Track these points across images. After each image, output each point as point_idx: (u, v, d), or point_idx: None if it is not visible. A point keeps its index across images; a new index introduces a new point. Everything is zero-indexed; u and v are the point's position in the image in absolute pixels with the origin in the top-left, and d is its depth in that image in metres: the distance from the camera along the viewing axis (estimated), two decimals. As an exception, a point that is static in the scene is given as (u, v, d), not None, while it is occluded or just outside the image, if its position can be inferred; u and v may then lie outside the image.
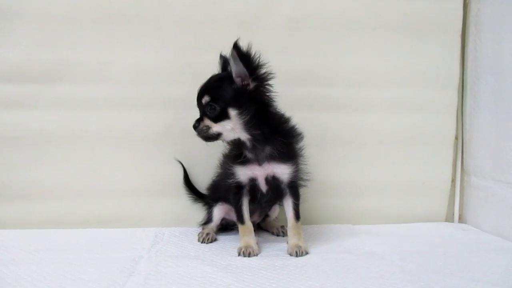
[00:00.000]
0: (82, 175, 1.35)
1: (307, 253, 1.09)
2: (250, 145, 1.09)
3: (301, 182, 1.17)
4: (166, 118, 1.37)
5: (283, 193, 1.14)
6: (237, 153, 1.12)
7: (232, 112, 1.06)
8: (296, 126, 1.15)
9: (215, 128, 1.07)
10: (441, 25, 1.41)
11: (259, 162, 1.10)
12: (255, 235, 1.16)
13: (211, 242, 1.20)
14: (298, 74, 1.37)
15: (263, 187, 1.13)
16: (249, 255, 1.07)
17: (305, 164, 1.19)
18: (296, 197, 1.14)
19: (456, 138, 1.44)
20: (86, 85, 1.34)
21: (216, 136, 1.08)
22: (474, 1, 1.39)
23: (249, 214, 1.14)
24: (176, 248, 1.16)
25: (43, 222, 1.32)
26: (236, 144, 1.12)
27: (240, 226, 1.14)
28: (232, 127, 1.07)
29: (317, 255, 1.09)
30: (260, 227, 1.33)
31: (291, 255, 1.08)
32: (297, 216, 1.13)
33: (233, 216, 1.20)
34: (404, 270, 0.99)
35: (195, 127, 1.08)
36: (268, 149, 1.09)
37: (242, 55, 1.03)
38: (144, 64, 1.35)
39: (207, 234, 1.22)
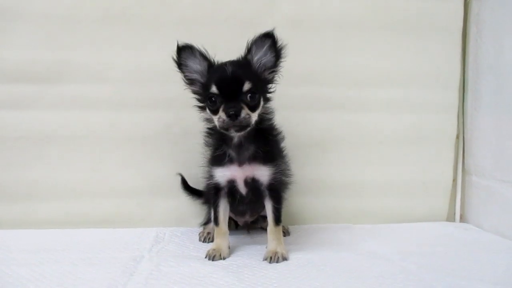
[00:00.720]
0: (83, 175, 1.35)
1: (285, 259, 1.03)
2: (237, 141, 1.05)
3: (284, 184, 1.13)
4: (167, 118, 1.36)
5: (263, 195, 1.09)
6: (220, 153, 1.07)
7: (261, 102, 1.03)
8: (276, 124, 1.12)
9: (253, 117, 1.00)
10: (442, 24, 1.41)
11: (240, 163, 1.05)
12: (248, 235, 1.20)
13: (212, 241, 1.18)
14: (298, 74, 1.37)
15: (242, 189, 1.09)
16: (213, 259, 1.04)
17: (288, 165, 1.16)
18: (276, 200, 1.08)
19: (457, 137, 1.44)
20: (86, 86, 1.34)
21: (250, 126, 1.01)
22: (475, 0, 1.39)
23: (226, 217, 1.11)
24: (177, 247, 1.16)
25: (44, 222, 1.32)
26: (221, 142, 1.08)
27: (215, 228, 1.11)
28: (255, 119, 1.02)
29: (318, 254, 1.09)
30: (263, 228, 1.27)
31: (266, 260, 1.03)
32: (277, 220, 1.08)
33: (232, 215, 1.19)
34: (405, 269, 0.99)
35: (235, 116, 0.96)
36: (252, 148, 1.05)
37: (276, 46, 1.02)
38: (145, 64, 1.35)
39: (208, 233, 1.22)
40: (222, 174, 1.07)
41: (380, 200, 1.41)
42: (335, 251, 1.13)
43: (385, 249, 1.14)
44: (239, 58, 1.04)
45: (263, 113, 1.06)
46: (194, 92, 1.09)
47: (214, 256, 1.05)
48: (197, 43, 1.33)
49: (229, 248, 1.10)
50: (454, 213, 1.45)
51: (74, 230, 1.30)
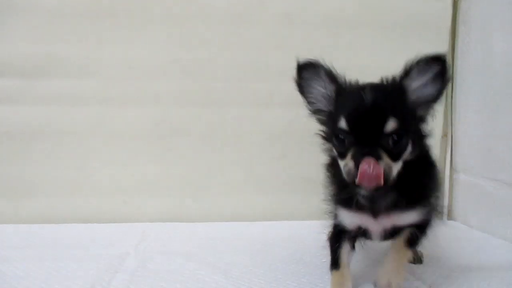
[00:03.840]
0: (69, 171, 1.34)
1: None
2: (368, 191, 0.74)
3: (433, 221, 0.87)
4: (155, 114, 1.36)
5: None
6: (346, 197, 0.80)
7: (409, 148, 0.75)
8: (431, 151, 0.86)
9: (394, 170, 0.72)
10: (430, 23, 1.41)
11: (374, 213, 0.79)
12: None
13: None
14: (292, 70, 1.36)
15: (377, 238, 0.83)
16: None
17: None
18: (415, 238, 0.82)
19: (445, 135, 1.44)
20: (74, 81, 1.32)
21: (390, 182, 0.72)
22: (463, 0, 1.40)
23: (348, 259, 0.85)
24: (163, 244, 1.15)
25: (29, 218, 1.31)
26: (346, 183, 0.75)
27: (332, 272, 0.84)
28: (398, 168, 0.74)
29: (308, 252, 1.09)
30: None
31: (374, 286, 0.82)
32: (411, 242, 0.83)
33: None
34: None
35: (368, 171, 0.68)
36: (392, 195, 0.77)
37: (446, 75, 0.76)
38: (133, 59, 1.34)
39: None
40: (351, 221, 0.82)
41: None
42: (326, 247, 1.13)
43: (374, 245, 1.14)
44: (387, 81, 0.78)
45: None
46: (320, 122, 0.84)
47: None
48: (187, 38, 1.34)
49: None
50: (442, 211, 1.46)
51: (59, 226, 1.28)
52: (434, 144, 1.41)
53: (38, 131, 1.33)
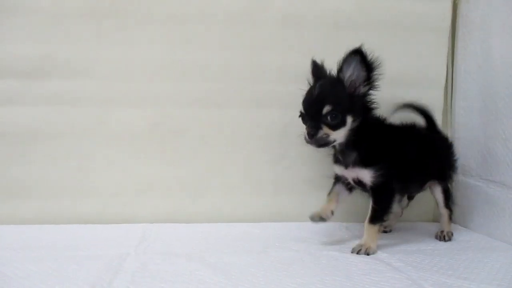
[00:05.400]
0: (68, 172, 1.34)
1: (368, 254, 1.09)
2: (339, 149, 1.14)
3: (389, 186, 1.14)
4: (155, 115, 1.35)
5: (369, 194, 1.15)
6: (335, 157, 1.19)
7: (349, 120, 1.08)
8: (393, 125, 1.21)
9: (333, 135, 1.07)
10: (430, 25, 1.41)
11: (346, 165, 1.14)
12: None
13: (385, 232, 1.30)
14: (290, 71, 1.37)
15: (352, 184, 1.18)
16: (312, 219, 1.16)
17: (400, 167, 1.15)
18: (374, 200, 1.13)
19: (445, 137, 1.44)
20: (73, 81, 1.32)
21: (331, 143, 1.09)
22: (464, 1, 1.40)
23: (338, 191, 1.21)
24: (164, 245, 1.15)
25: (29, 219, 1.30)
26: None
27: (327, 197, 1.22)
28: (344, 133, 1.09)
29: (307, 252, 1.09)
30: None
31: (351, 252, 1.11)
32: (371, 219, 1.13)
33: None
34: (392, 267, 0.99)
35: (312, 135, 1.07)
36: (353, 155, 1.12)
37: (366, 61, 1.06)
38: (133, 60, 1.33)
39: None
40: (336, 170, 1.19)
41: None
42: (325, 248, 1.14)
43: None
44: (331, 77, 1.11)
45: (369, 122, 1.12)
46: None
47: (313, 217, 1.16)
48: (187, 39, 1.34)
49: (332, 213, 1.18)
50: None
51: (59, 227, 1.28)
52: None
53: (37, 132, 1.32)
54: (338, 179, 1.21)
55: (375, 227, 1.13)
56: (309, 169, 1.41)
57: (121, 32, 1.32)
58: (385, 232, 1.31)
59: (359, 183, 1.15)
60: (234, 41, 1.36)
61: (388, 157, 1.12)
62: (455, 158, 1.31)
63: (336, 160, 1.18)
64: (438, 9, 1.41)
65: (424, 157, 1.21)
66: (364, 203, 1.27)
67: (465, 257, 1.08)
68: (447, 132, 1.45)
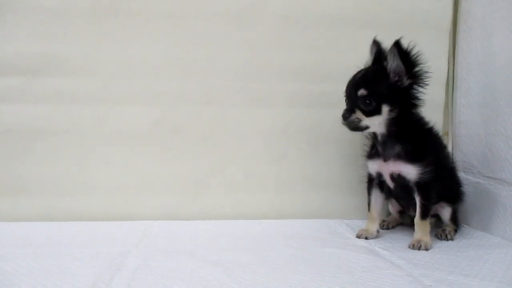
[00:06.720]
0: (70, 169, 1.34)
1: (426, 249, 1.10)
2: (381, 140, 1.14)
3: (436, 183, 1.14)
4: (156, 113, 1.36)
5: (412, 191, 1.15)
6: (371, 144, 1.20)
7: (385, 109, 1.09)
8: (434, 128, 1.19)
9: (365, 121, 1.09)
10: (431, 22, 1.42)
11: (385, 158, 1.14)
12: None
13: (387, 229, 1.33)
14: (291, 70, 1.37)
15: (389, 183, 1.18)
16: (359, 237, 1.19)
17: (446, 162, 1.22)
18: (423, 197, 1.13)
19: (446, 134, 1.45)
20: (74, 80, 1.32)
21: (364, 129, 1.11)
22: (465, -2, 1.40)
23: (377, 204, 1.22)
24: (165, 242, 1.15)
25: (31, 217, 1.31)
26: (372, 136, 1.19)
27: (368, 213, 1.24)
28: (380, 122, 1.10)
29: (308, 250, 1.09)
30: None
31: (410, 247, 1.12)
32: (422, 215, 1.14)
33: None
34: (393, 264, 0.99)
35: (345, 117, 1.10)
36: (397, 148, 1.12)
37: (403, 53, 1.06)
38: (133, 58, 1.34)
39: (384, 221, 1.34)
40: (371, 166, 1.19)
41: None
42: (326, 246, 1.13)
43: (373, 244, 1.15)
44: (374, 65, 1.14)
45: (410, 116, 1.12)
46: None
47: (360, 235, 1.20)
48: (188, 38, 1.34)
49: (378, 232, 1.21)
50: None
51: (61, 225, 1.29)
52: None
53: (38, 130, 1.33)
54: (371, 180, 1.22)
55: (427, 222, 1.14)
56: (310, 167, 1.41)
57: (122, 31, 1.32)
58: (387, 229, 1.33)
59: (398, 178, 1.14)
60: (236, 39, 1.36)
61: (434, 154, 1.14)
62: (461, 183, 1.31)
63: (372, 155, 1.18)
64: (439, 6, 1.42)
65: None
66: (363, 199, 1.28)
67: (466, 254, 1.08)
68: (449, 129, 1.45)
